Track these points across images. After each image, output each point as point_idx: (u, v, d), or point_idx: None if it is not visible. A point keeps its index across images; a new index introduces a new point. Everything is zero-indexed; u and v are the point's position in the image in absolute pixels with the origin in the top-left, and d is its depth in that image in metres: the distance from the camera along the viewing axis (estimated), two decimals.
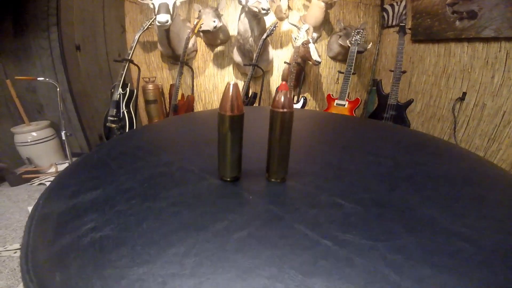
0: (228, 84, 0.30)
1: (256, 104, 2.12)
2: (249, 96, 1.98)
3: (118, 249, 0.25)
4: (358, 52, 1.78)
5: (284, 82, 0.30)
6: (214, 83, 2.41)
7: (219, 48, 2.28)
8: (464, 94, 1.61)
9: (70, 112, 2.13)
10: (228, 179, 0.36)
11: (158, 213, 0.30)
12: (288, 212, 0.30)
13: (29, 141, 1.89)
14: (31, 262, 0.25)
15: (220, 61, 2.32)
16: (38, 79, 1.69)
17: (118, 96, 1.91)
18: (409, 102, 1.63)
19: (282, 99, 0.31)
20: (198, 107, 2.54)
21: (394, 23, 1.90)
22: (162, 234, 0.26)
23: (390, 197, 0.34)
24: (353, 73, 1.78)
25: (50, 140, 2.00)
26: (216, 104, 2.51)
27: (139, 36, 1.87)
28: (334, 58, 2.09)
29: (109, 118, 1.93)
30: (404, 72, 1.66)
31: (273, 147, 0.34)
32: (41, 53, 1.94)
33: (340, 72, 1.92)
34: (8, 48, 1.89)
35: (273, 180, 0.36)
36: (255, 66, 1.91)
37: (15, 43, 1.91)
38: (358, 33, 1.75)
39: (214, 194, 0.34)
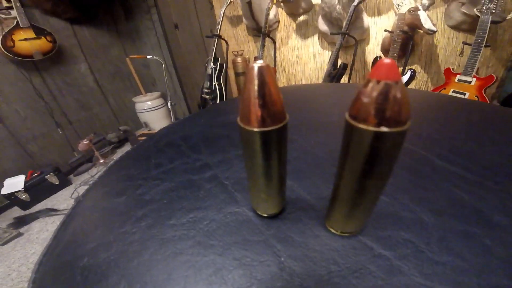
0: (251, 68, 0.14)
1: (345, 78, 1.81)
2: (338, 67, 1.69)
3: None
4: (493, 22, 1.24)
5: (389, 60, 0.11)
6: (297, 54, 2.18)
7: (302, 18, 2.00)
8: None
9: (175, 84, 2.36)
10: (264, 215, 0.23)
11: (158, 247, 0.21)
12: None
13: (145, 108, 2.20)
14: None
15: (304, 31, 2.05)
16: (147, 57, 1.89)
17: (210, 70, 1.97)
18: None
19: (381, 103, 0.12)
20: (282, 78, 2.39)
21: None
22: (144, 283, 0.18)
23: None
24: (486, 46, 1.26)
25: (161, 108, 2.27)
26: (299, 76, 2.30)
27: (224, 11, 1.81)
28: (456, 28, 1.52)
29: (204, 90, 2.04)
30: None
31: (343, 191, 0.17)
32: (148, 33, 2.14)
33: (465, 43, 1.39)
34: (124, 31, 2.16)
35: (333, 231, 0.21)
36: (346, 34, 1.58)
37: (128, 26, 2.17)
38: (491, 0, 1.21)
39: (235, 234, 0.22)
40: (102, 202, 0.29)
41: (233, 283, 0.18)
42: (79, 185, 1.71)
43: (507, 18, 1.26)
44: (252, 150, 0.17)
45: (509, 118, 0.41)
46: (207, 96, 2.03)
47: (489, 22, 1.22)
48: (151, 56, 1.88)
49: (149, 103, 2.20)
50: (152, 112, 2.23)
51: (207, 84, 2.01)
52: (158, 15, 1.95)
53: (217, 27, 1.84)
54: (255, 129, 0.16)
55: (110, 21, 2.06)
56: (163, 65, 1.98)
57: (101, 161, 1.92)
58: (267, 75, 0.15)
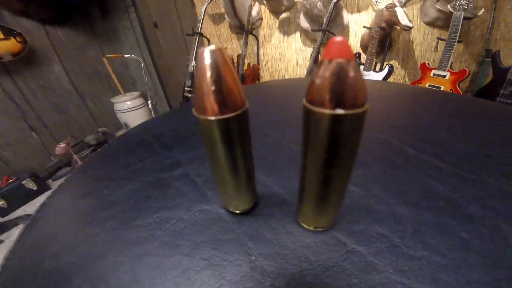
0: (202, 52, 0.13)
1: None
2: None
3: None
4: (465, 18, 1.29)
5: (340, 39, 0.11)
6: (280, 51, 2.18)
7: (284, 15, 2.01)
8: None
9: (155, 84, 2.30)
10: (235, 211, 0.22)
11: (122, 249, 0.20)
12: None
13: (125, 109, 2.12)
14: None
15: (286, 28, 2.05)
16: (125, 56, 1.83)
17: (192, 68, 1.93)
18: None
19: (334, 82, 0.11)
20: (265, 75, 2.38)
21: None
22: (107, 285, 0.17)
23: None
24: (459, 41, 1.31)
25: (141, 108, 2.20)
26: (282, 73, 2.30)
27: (206, 9, 1.78)
28: (430, 24, 1.58)
29: (186, 88, 2.00)
30: None
31: (308, 183, 0.16)
32: (126, 32, 2.07)
33: (440, 39, 1.44)
34: (101, 31, 2.08)
35: (305, 226, 0.20)
36: (326, 31, 1.60)
37: (105, 25, 2.08)
38: None
39: (204, 233, 0.20)
40: (67, 204, 0.27)
41: (201, 284, 0.17)
42: (40, 204, 1.64)
43: (478, 14, 1.32)
44: (212, 142, 0.16)
45: (480, 109, 0.42)
46: (189, 95, 1.99)
47: (462, 18, 1.27)
48: (129, 55, 1.83)
49: (128, 103, 2.12)
50: (132, 112, 2.16)
51: (189, 83, 1.97)
52: (136, 13, 1.89)
53: (198, 24, 1.80)
54: (211, 118, 0.14)
55: (85, 21, 1.98)
56: (142, 64, 1.93)
57: (80, 164, 1.84)
58: (220, 60, 0.13)
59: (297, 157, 0.30)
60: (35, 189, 1.60)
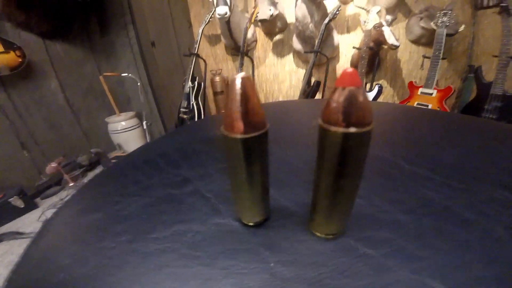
0: (233, 79, 0.16)
1: (319, 95, 1.89)
2: (312, 84, 1.77)
3: None
4: (448, 35, 1.39)
5: (350, 69, 0.14)
6: (274, 73, 2.26)
7: (278, 37, 2.11)
8: None
9: (151, 104, 2.32)
10: (249, 223, 0.23)
11: (140, 261, 0.21)
12: None
13: (119, 129, 2.11)
14: None
15: (280, 49, 2.15)
16: (121, 74, 1.86)
17: (188, 89, 1.97)
18: None
19: (347, 106, 0.14)
20: (260, 97, 2.44)
21: (491, 4, 1.42)
22: None
23: None
24: (443, 58, 1.40)
25: (136, 128, 2.20)
26: (276, 95, 2.37)
27: (203, 30, 1.86)
28: (416, 42, 1.69)
29: (181, 109, 2.02)
30: None
31: (321, 193, 0.18)
32: (124, 50, 2.11)
33: (425, 56, 1.53)
34: (98, 47, 2.12)
35: (318, 234, 0.22)
36: (318, 52, 1.68)
37: (103, 42, 2.12)
38: (445, 14, 1.37)
39: (221, 244, 0.22)
40: (77, 219, 0.28)
41: None
42: (47, 208, 1.61)
43: (459, 30, 1.42)
44: (236, 158, 0.18)
45: (466, 124, 0.45)
46: (185, 116, 2.00)
47: (444, 35, 1.36)
48: (126, 74, 1.86)
49: (123, 123, 2.11)
50: (126, 133, 2.15)
51: (184, 104, 1.99)
52: (135, 31, 1.95)
53: (195, 45, 1.87)
54: (238, 136, 0.16)
55: (84, 36, 2.01)
56: (139, 83, 1.96)
57: (71, 184, 1.81)
58: (248, 86, 0.16)
59: (301, 172, 0.32)
60: (22, 206, 1.56)
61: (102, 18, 2.04)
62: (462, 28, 1.43)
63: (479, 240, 0.20)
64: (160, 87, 2.30)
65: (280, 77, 2.26)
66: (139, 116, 2.25)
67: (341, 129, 0.14)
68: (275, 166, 0.34)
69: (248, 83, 0.16)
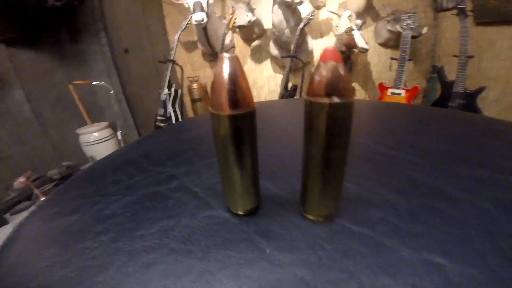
0: (222, 57, 0.16)
1: (297, 97, 1.93)
2: (289, 89, 1.81)
3: None
4: (413, 37, 1.50)
5: (331, 47, 0.15)
6: (253, 78, 2.28)
7: (256, 43, 2.14)
8: None
9: (125, 113, 2.23)
10: (240, 213, 0.23)
11: (126, 260, 0.19)
12: (334, 286, 0.15)
13: (91, 141, 1.98)
14: None
15: (258, 55, 2.18)
16: (93, 83, 1.78)
17: (164, 96, 1.92)
18: (480, 90, 1.31)
19: (330, 77, 0.14)
20: None
21: (450, 6, 1.56)
22: None
23: None
24: (409, 59, 1.49)
25: (109, 139, 2.08)
26: (256, 100, 2.38)
27: (179, 36, 1.84)
28: (384, 45, 1.79)
29: (158, 117, 1.96)
30: (470, 57, 1.34)
31: (312, 168, 0.18)
32: (96, 58, 2.03)
33: (393, 58, 1.63)
34: (68, 55, 2.01)
35: (312, 218, 0.21)
36: (294, 57, 1.72)
37: (73, 50, 2.02)
38: (409, 17, 1.48)
39: (214, 236, 0.20)
40: (53, 222, 0.25)
41: (220, 285, 0.17)
42: (18, 224, 1.47)
43: (422, 32, 1.53)
44: (224, 137, 0.17)
45: (437, 115, 0.48)
46: (162, 124, 1.95)
47: (410, 37, 1.46)
48: (97, 82, 1.77)
49: (95, 134, 1.99)
50: (100, 145, 2.02)
51: (161, 112, 1.94)
52: (107, 38, 1.88)
53: (171, 52, 1.84)
54: (227, 113, 0.16)
55: (54, 44, 1.90)
56: (112, 92, 1.88)
57: (42, 199, 1.67)
58: (236, 64, 0.16)
59: (291, 163, 0.32)
60: None
61: (73, 25, 1.95)
62: (425, 30, 1.54)
63: (469, 215, 0.21)
64: (134, 95, 2.22)
65: (259, 82, 2.28)
66: (113, 126, 2.14)
67: (326, 100, 0.15)
68: (264, 159, 0.33)
69: (236, 62, 0.16)
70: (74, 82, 1.79)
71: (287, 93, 1.81)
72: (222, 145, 0.18)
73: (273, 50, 1.97)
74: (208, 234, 0.21)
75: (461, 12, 1.33)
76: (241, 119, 0.17)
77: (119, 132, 1.88)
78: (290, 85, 1.83)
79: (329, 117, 0.16)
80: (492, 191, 0.24)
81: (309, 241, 0.19)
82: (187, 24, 1.83)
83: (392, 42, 1.73)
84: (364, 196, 0.24)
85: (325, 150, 0.17)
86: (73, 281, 0.17)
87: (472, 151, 0.32)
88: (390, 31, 1.66)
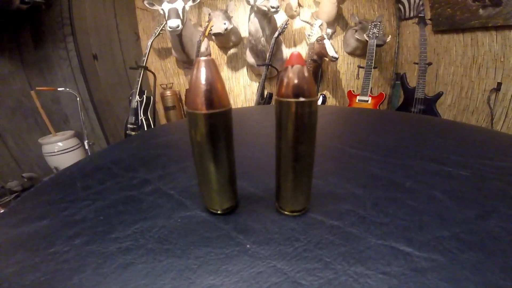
0: (199, 60, 0.17)
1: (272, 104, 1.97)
2: (265, 96, 1.85)
3: None
4: (377, 45, 1.61)
5: (297, 52, 0.17)
6: (229, 87, 2.30)
7: (232, 51, 2.17)
8: (500, 84, 1.38)
9: (92, 121, 2.11)
10: (218, 212, 0.23)
11: (101, 262, 0.18)
12: (311, 275, 0.16)
13: (55, 151, 1.85)
14: None
15: (234, 63, 2.21)
16: (58, 89, 1.67)
17: (135, 104, 1.86)
18: (439, 95, 1.44)
19: (296, 79, 0.16)
20: None
21: (412, 15, 1.71)
22: None
23: (485, 231, 0.19)
24: (375, 67, 1.60)
25: (75, 149, 1.95)
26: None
27: (152, 43, 1.80)
28: (352, 53, 1.91)
29: (129, 126, 1.88)
30: (429, 64, 1.47)
31: (283, 163, 0.20)
32: (61, 64, 1.91)
33: (360, 67, 1.74)
34: (31, 60, 1.87)
35: (286, 213, 0.22)
36: (269, 65, 1.77)
37: (36, 55, 1.89)
38: (375, 26, 1.59)
39: (192, 235, 0.21)
40: (19, 228, 0.23)
41: (202, 280, 0.17)
42: None
43: (387, 41, 1.64)
44: (200, 136, 0.18)
45: (397, 118, 0.53)
46: (133, 132, 1.87)
47: (375, 45, 1.57)
48: (63, 88, 1.67)
49: (60, 144, 1.85)
50: (64, 155, 1.88)
51: (132, 119, 1.87)
52: (74, 43, 1.78)
53: (143, 58, 1.79)
54: (203, 112, 0.17)
55: (14, 49, 1.76)
56: (78, 99, 1.78)
57: (1, 211, 1.51)
58: (212, 66, 0.17)
59: (264, 164, 0.33)
60: None
61: (37, 29, 1.82)
62: (389, 38, 1.66)
63: (426, 204, 0.23)
64: (103, 102, 2.12)
65: (235, 90, 2.30)
66: (79, 136, 2.02)
67: (293, 99, 0.17)
68: (240, 161, 0.34)
69: (212, 63, 0.17)
70: (37, 88, 1.67)
71: (263, 100, 1.85)
72: (199, 143, 0.19)
73: (250, 58, 2.00)
74: (186, 233, 0.21)
75: (421, 21, 1.46)
76: (217, 117, 0.18)
77: (86, 142, 1.77)
78: (266, 93, 1.87)
79: (296, 114, 0.17)
80: (444, 183, 0.27)
81: (286, 234, 0.20)
82: (161, 30, 1.81)
83: (360, 51, 1.85)
84: (332, 191, 0.26)
85: (294, 144, 0.19)
86: (45, 285, 0.16)
87: (427, 148, 0.36)
88: (357, 40, 1.77)
